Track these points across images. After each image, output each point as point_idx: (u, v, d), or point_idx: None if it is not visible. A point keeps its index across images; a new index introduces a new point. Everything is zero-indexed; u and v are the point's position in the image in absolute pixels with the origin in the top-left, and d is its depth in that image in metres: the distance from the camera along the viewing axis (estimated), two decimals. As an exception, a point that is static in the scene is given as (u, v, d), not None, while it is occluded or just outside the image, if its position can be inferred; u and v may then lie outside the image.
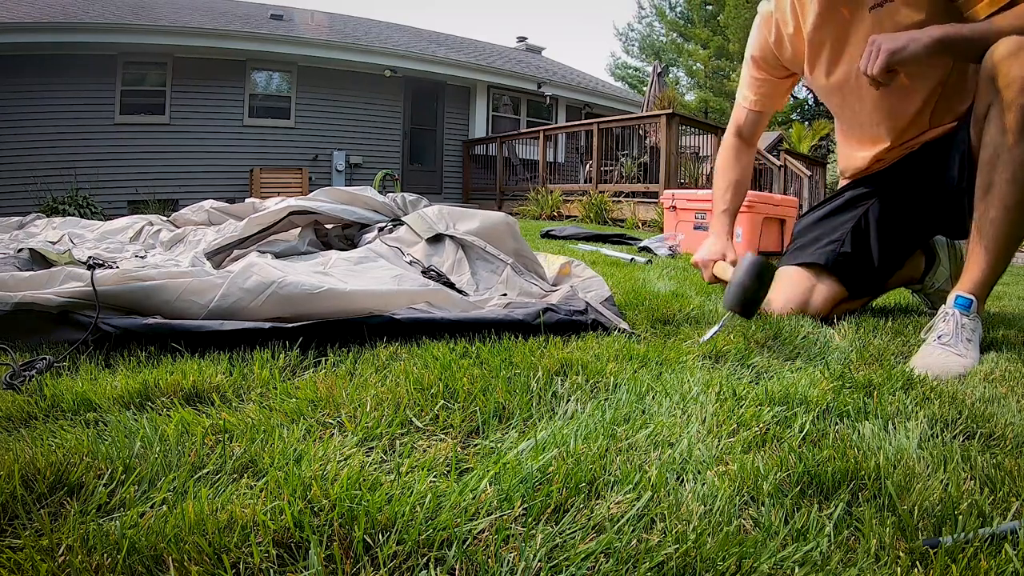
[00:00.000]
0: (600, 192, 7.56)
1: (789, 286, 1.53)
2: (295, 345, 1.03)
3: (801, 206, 6.30)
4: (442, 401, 0.80)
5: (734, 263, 1.40)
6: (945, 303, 1.23)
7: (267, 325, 1.06)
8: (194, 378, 0.86)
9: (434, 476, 0.62)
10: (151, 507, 0.54)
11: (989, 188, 1.18)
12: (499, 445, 0.69)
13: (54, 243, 2.14)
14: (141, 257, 2.01)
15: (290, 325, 1.06)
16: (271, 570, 0.47)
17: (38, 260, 1.68)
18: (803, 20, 1.44)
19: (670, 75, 21.67)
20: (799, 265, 1.55)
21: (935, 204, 1.48)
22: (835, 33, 1.39)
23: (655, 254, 3.33)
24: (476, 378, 0.88)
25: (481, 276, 1.61)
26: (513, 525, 0.53)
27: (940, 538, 0.52)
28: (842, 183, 1.67)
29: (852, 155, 1.59)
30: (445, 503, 0.55)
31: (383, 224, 1.97)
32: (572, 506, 0.56)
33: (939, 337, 1.16)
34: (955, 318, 1.18)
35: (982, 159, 1.19)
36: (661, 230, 4.95)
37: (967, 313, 1.19)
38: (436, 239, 1.74)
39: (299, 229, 1.95)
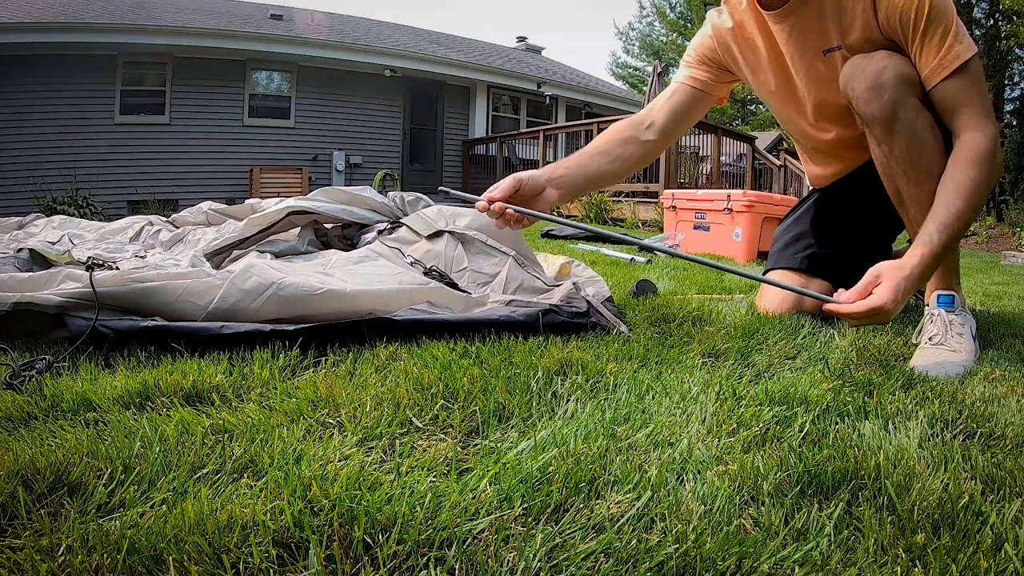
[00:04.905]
0: (600, 192, 7.55)
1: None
2: (295, 345, 1.03)
3: (801, 206, 6.29)
4: (442, 401, 0.80)
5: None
6: (928, 305, 1.24)
7: (267, 328, 1.06)
8: (194, 378, 0.86)
9: (434, 476, 0.62)
10: (151, 507, 0.55)
11: (899, 196, 1.22)
12: (499, 445, 0.69)
13: (54, 243, 2.13)
14: (141, 257, 2.00)
15: (291, 328, 1.06)
16: (271, 570, 0.47)
17: (38, 260, 1.68)
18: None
19: (670, 75, 21.65)
20: (784, 268, 1.55)
21: None
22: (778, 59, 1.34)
23: (655, 254, 3.33)
24: (476, 378, 0.88)
25: (483, 270, 1.61)
26: (513, 525, 0.53)
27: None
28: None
29: (812, 171, 1.60)
30: (445, 503, 0.55)
31: (383, 226, 1.96)
32: (572, 506, 0.56)
33: (930, 339, 1.18)
34: (941, 317, 1.19)
35: (881, 175, 1.23)
36: (661, 230, 4.95)
37: (952, 309, 1.20)
38: (436, 235, 1.74)
39: (298, 229, 1.95)
